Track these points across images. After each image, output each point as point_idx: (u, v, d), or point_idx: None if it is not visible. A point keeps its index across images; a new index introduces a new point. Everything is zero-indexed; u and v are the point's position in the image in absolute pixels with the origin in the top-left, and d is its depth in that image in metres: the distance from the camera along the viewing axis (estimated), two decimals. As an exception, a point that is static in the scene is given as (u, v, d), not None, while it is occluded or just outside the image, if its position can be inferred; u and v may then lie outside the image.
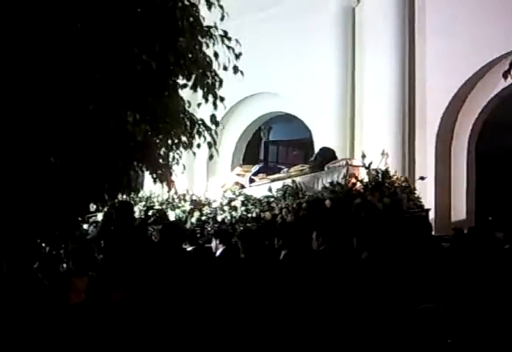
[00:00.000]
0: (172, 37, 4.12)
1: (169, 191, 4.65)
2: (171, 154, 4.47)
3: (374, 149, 9.65)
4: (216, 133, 4.45)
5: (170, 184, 4.46)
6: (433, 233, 7.38)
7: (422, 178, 8.75)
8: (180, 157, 4.51)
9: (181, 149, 4.41)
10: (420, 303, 3.56)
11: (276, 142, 15.81)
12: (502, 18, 8.87)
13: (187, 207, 9.49)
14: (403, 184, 8.20)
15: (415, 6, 9.91)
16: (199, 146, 4.43)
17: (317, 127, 10.93)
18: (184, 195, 9.72)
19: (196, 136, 4.36)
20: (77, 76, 3.70)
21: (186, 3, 4.27)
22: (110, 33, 3.84)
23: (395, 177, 8.22)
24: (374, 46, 10.08)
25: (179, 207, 9.63)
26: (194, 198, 9.64)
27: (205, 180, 12.28)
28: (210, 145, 4.42)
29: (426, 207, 9.47)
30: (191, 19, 4.28)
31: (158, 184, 4.53)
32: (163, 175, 4.38)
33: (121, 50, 3.86)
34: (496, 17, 8.94)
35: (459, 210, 9.71)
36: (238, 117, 12.69)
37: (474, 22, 9.16)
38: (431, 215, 9.48)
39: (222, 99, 4.37)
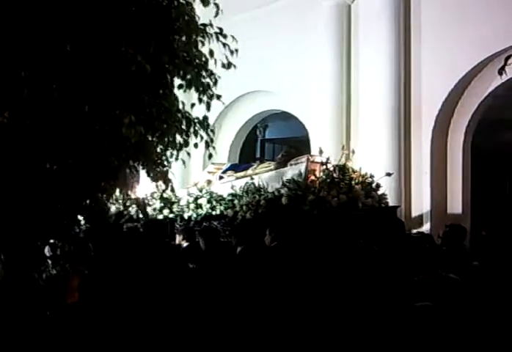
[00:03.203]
0: (168, 36, 4.10)
1: (165, 190, 4.63)
2: (168, 152, 4.46)
3: (370, 146, 9.68)
4: (212, 131, 4.44)
5: (167, 183, 4.46)
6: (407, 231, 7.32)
7: (388, 174, 8.57)
8: (178, 154, 4.50)
9: (178, 148, 4.40)
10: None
11: (272, 140, 15.84)
12: (499, 15, 8.87)
13: (157, 205, 9.50)
14: (368, 180, 8.03)
15: (411, 3, 9.91)
16: (196, 146, 4.42)
17: (313, 125, 10.92)
18: (154, 192, 9.67)
19: (193, 135, 4.35)
20: (73, 77, 3.69)
21: (182, 1, 4.25)
22: (105, 32, 3.83)
23: (356, 173, 8.02)
24: (369, 43, 10.07)
25: (150, 205, 9.60)
26: (164, 196, 9.48)
27: (200, 178, 12.26)
28: (207, 144, 4.41)
29: (423, 202, 9.47)
30: (187, 18, 4.26)
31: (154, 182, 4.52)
32: (161, 174, 4.38)
33: (116, 51, 3.84)
34: (492, 14, 8.94)
35: (455, 206, 9.72)
36: (234, 115, 12.69)
37: (469, 18, 9.17)
38: (428, 210, 9.53)
39: (219, 97, 4.36)
